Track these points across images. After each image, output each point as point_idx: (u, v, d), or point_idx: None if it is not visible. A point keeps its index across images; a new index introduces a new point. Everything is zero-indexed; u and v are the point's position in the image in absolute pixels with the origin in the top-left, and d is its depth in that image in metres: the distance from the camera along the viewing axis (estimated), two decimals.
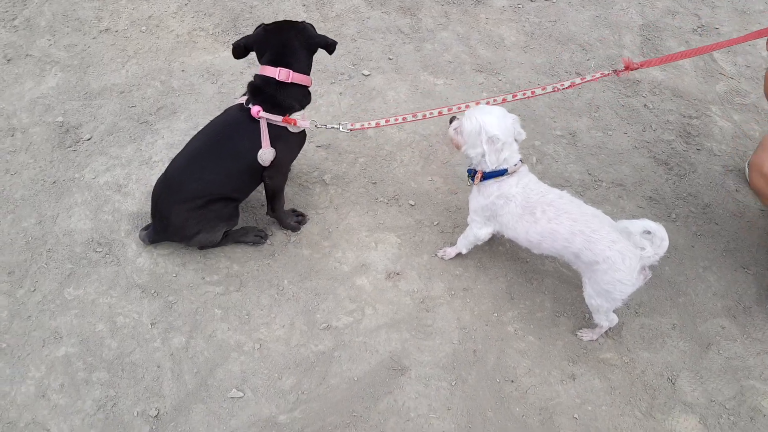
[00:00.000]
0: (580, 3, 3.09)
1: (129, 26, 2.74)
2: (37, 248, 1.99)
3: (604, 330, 1.83)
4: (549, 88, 1.78)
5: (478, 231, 1.83)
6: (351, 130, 1.91)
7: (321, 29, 2.79)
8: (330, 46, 1.83)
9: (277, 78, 1.75)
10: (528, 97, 1.81)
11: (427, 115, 1.87)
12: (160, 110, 2.42)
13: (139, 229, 2.00)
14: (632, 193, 2.29)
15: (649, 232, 1.55)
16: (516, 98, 1.79)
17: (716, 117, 2.60)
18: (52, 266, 1.95)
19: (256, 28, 1.83)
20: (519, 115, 1.73)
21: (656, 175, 2.36)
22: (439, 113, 1.87)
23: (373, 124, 1.92)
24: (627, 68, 1.69)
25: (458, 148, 1.76)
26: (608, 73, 1.78)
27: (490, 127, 1.64)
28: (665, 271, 2.05)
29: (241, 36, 1.92)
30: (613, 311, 1.74)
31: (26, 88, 2.46)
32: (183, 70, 2.58)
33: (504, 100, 1.79)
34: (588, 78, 1.74)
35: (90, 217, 2.07)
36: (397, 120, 1.92)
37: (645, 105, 2.62)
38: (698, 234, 2.18)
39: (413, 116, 1.88)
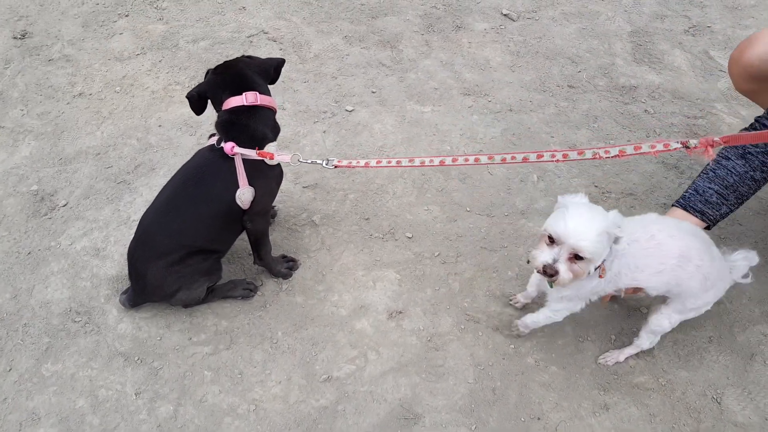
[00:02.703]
0: (563, 17, 3.18)
1: (103, 88, 2.83)
2: (12, 324, 1.96)
3: (636, 351, 1.75)
4: (588, 154, 1.52)
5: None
6: (336, 166, 1.78)
7: (300, 70, 2.90)
8: (279, 65, 1.86)
9: (245, 103, 1.73)
10: (558, 161, 1.58)
11: (426, 162, 1.68)
12: (138, 168, 2.46)
13: (119, 293, 1.98)
14: (644, 201, 2.26)
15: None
16: (558, 159, 1.55)
17: (723, 114, 2.60)
18: (28, 342, 1.92)
19: (205, 74, 1.88)
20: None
21: (668, 180, 2.34)
22: (441, 162, 1.67)
23: (362, 163, 1.76)
24: (704, 146, 1.44)
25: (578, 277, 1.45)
26: (675, 148, 1.49)
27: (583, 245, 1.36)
28: None
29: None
30: None
31: None
32: (160, 126, 2.64)
33: (525, 160, 1.58)
34: (644, 149, 1.48)
35: (67, 285, 2.06)
36: (390, 162, 1.73)
37: (645, 110, 2.64)
38: (722, 237, 2.13)
39: (410, 161, 1.71)
